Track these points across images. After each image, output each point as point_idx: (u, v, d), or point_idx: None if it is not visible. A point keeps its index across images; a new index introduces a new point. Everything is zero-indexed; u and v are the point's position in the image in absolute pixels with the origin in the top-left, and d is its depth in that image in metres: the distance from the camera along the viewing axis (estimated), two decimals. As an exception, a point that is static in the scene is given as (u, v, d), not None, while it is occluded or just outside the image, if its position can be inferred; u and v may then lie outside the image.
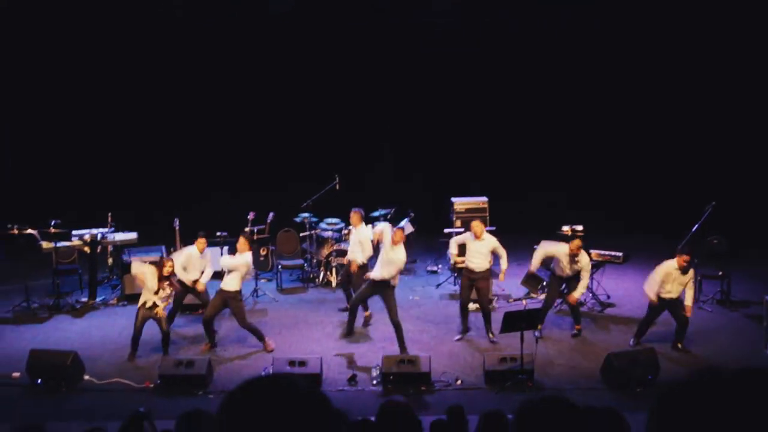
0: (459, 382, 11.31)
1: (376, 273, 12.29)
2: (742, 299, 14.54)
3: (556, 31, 19.00)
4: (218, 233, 15.32)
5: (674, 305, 12.16)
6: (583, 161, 19.43)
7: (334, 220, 16.26)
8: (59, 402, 10.92)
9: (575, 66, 19.20)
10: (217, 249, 14.59)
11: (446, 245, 15.05)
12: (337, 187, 16.50)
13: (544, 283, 13.94)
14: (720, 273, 14.35)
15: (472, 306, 13.36)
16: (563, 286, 13.08)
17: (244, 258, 12.34)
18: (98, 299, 14.98)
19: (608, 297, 14.67)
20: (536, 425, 2.69)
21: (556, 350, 12.46)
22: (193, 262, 13.08)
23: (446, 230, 16.17)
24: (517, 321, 11.11)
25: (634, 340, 12.60)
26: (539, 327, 12.65)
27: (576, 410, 2.72)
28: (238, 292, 12.45)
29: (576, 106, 19.45)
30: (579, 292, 12.73)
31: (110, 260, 15.86)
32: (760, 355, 12.14)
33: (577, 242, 12.55)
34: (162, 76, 19.18)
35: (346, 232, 15.74)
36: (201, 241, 13.16)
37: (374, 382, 11.27)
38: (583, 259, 12.66)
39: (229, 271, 12.32)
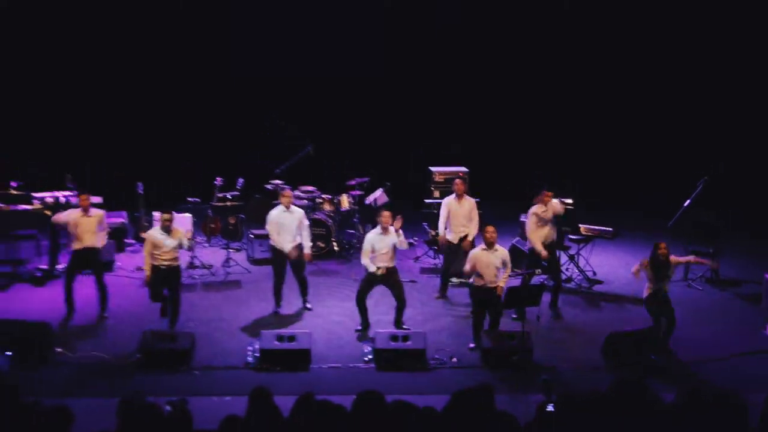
0: (454, 360, 10.86)
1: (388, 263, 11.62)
2: (732, 278, 14.29)
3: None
4: (189, 199, 14.84)
5: None
6: (571, 132, 19.18)
7: (308, 188, 15.68)
8: (32, 376, 9.88)
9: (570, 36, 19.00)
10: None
11: (424, 216, 14.66)
12: (311, 153, 15.95)
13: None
14: (711, 251, 13.88)
15: (455, 280, 13.21)
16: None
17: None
18: (59, 266, 13.85)
19: (594, 273, 14.28)
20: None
21: (548, 329, 11.95)
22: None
23: (427, 201, 15.46)
24: (519, 296, 10.74)
25: None
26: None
27: None
28: None
29: (568, 75, 19.22)
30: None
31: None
32: (759, 336, 11.84)
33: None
34: (129, 34, 18.42)
35: (320, 200, 15.26)
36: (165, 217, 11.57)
37: (366, 359, 10.76)
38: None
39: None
